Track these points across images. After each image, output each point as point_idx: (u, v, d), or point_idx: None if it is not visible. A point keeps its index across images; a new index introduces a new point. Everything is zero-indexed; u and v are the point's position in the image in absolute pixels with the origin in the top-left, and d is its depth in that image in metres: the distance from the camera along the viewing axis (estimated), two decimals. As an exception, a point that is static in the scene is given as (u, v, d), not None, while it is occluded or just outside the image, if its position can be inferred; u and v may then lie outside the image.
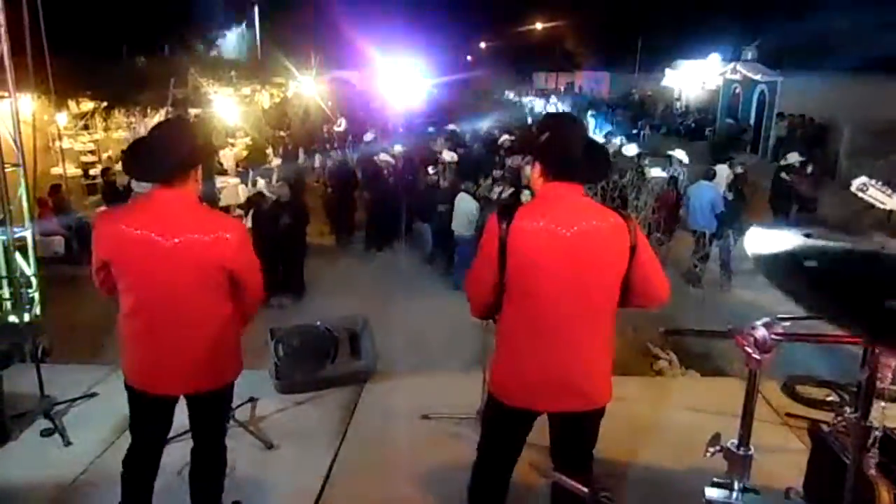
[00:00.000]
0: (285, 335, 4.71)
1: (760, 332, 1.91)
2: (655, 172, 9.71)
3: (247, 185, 12.09)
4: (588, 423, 2.54)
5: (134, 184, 9.15)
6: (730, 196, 9.02)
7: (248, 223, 8.93)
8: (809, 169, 10.18)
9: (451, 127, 16.54)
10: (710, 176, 9.43)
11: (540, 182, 2.46)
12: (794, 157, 10.59)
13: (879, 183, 3.21)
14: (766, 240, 1.53)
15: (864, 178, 3.22)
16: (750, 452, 2.03)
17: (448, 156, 10.73)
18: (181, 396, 2.76)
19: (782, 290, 1.37)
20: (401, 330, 5.81)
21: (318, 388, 4.54)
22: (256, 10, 17.04)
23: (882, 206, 3.17)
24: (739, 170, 9.92)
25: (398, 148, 12.02)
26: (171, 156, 2.51)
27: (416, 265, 9.78)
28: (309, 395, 4.48)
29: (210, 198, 10.30)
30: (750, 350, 1.92)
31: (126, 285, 2.56)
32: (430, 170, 10.73)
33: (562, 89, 37.31)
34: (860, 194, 3.21)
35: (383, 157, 11.14)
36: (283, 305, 7.84)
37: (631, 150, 11.67)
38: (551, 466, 2.57)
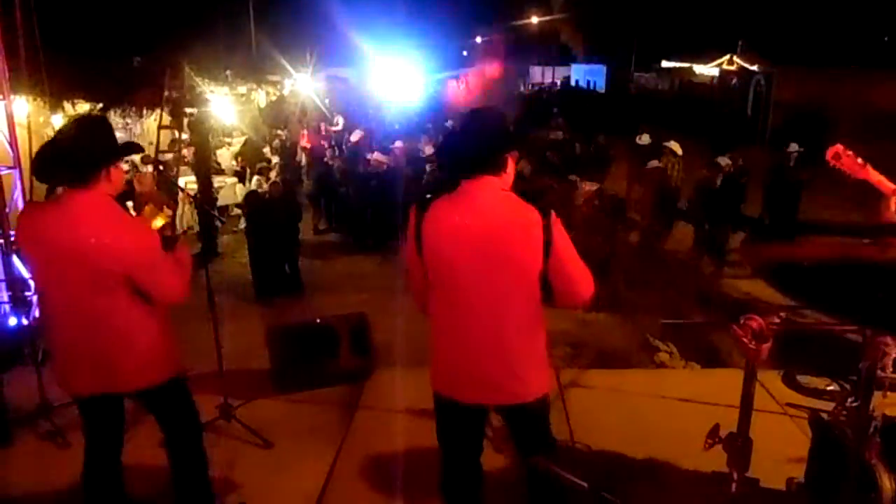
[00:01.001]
0: (284, 333, 4.69)
1: (757, 322, 1.91)
2: (651, 164, 9.70)
3: (244, 183, 12.06)
4: (525, 417, 2.49)
5: (136, 183, 9.14)
6: (722, 187, 9.00)
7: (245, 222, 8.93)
8: (795, 152, 10.18)
9: (449, 123, 16.48)
10: (710, 167, 9.41)
11: None
12: (793, 148, 10.60)
13: (851, 152, 3.19)
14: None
15: (839, 147, 3.18)
16: (749, 442, 2.03)
17: (429, 150, 10.79)
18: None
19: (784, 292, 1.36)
20: (399, 326, 5.78)
21: (318, 385, 4.53)
22: (251, 6, 16.96)
23: (853, 176, 3.15)
24: (741, 161, 9.89)
25: (398, 143, 12.01)
26: (77, 156, 2.41)
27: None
28: (309, 394, 4.47)
29: (207, 197, 10.30)
30: (746, 340, 1.91)
31: (36, 282, 2.61)
32: (427, 167, 10.71)
33: (558, 83, 37.18)
34: (833, 162, 3.20)
35: (377, 155, 11.14)
36: (281, 303, 7.83)
37: (644, 139, 11.67)
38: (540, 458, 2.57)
